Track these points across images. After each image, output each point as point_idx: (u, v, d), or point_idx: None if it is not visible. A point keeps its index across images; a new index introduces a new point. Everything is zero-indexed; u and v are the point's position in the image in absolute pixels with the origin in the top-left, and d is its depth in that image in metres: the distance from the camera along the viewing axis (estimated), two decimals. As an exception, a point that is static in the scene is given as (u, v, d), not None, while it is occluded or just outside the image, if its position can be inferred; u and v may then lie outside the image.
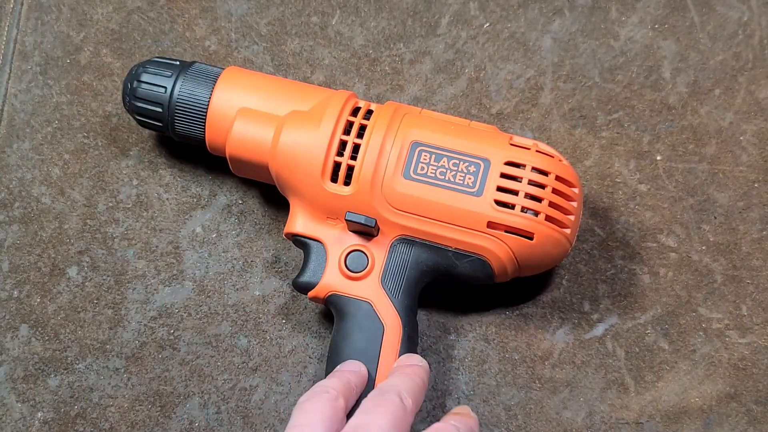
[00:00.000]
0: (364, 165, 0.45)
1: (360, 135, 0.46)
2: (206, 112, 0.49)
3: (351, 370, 0.44)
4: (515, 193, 0.45)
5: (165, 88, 0.49)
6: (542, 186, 0.45)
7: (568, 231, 0.46)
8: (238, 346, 0.52)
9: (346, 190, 0.46)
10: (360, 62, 0.56)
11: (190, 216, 0.54)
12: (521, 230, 0.45)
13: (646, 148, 0.54)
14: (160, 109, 0.49)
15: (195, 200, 0.54)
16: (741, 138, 0.54)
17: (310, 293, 0.47)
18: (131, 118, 0.56)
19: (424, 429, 0.41)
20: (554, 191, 0.45)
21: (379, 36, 0.57)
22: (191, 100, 0.49)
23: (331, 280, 0.47)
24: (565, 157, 0.47)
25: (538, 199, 0.45)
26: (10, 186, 0.55)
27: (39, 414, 0.51)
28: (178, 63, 0.50)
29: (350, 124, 0.47)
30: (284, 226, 0.49)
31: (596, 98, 0.55)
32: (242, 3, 0.58)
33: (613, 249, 0.52)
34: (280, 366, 0.51)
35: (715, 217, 0.52)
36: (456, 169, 0.45)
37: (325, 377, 0.46)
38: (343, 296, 0.46)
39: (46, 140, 0.56)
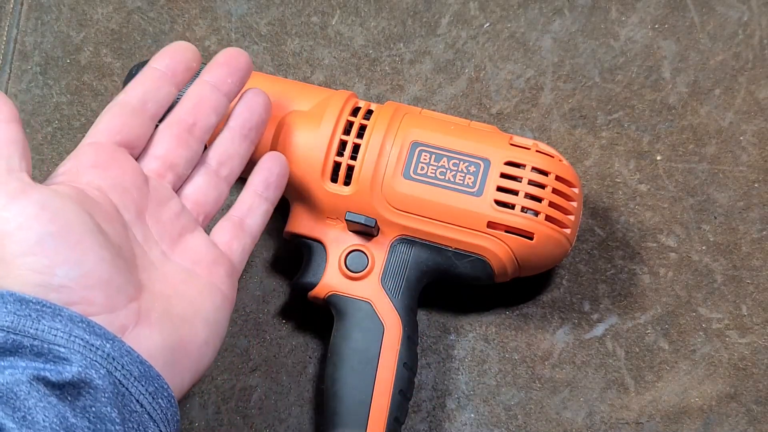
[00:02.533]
0: (364, 165, 0.45)
1: (360, 135, 0.46)
2: None
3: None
4: (515, 193, 0.45)
5: None
6: (542, 186, 0.45)
7: (568, 231, 0.46)
8: (238, 346, 0.52)
9: (346, 191, 0.46)
10: (360, 62, 0.56)
11: (190, 216, 0.54)
12: (521, 230, 0.45)
13: (646, 148, 0.54)
14: None
15: (195, 200, 0.54)
16: (741, 138, 0.54)
17: (311, 293, 0.47)
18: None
19: None
20: (554, 191, 0.45)
21: (379, 36, 0.57)
22: None
23: (330, 280, 0.47)
24: (565, 157, 0.47)
25: (539, 199, 0.45)
26: (10, 186, 0.55)
27: (39, 414, 0.51)
28: None
29: (350, 124, 0.47)
30: (284, 226, 0.49)
31: (596, 98, 0.55)
32: (242, 3, 0.58)
33: (613, 249, 0.52)
34: (280, 366, 0.51)
35: (715, 217, 0.52)
36: (456, 169, 0.45)
37: (324, 379, 0.46)
38: (343, 296, 0.46)
39: (46, 140, 0.56)
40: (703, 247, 0.52)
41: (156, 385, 0.35)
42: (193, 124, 0.42)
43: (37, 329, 0.32)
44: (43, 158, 0.55)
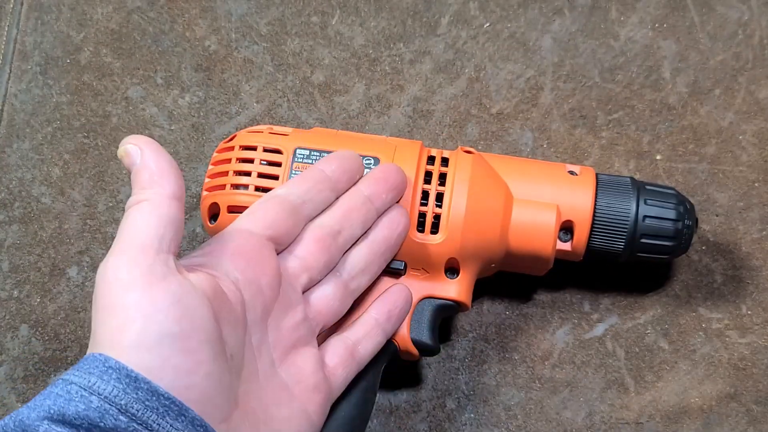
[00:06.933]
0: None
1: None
2: None
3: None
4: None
5: None
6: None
7: None
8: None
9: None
10: (360, 62, 0.56)
11: (190, 216, 0.54)
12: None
13: (646, 148, 0.54)
14: None
15: (195, 200, 0.54)
16: (741, 138, 0.54)
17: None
18: (131, 117, 0.56)
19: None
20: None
21: (379, 36, 0.57)
22: None
23: None
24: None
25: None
26: (10, 186, 0.55)
27: (39, 414, 0.51)
28: None
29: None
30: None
31: (596, 98, 0.55)
32: (242, 3, 0.58)
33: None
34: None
35: (716, 216, 0.52)
36: None
37: None
38: None
39: (46, 140, 0.56)
40: (703, 247, 0.52)
41: None
42: (338, 232, 0.42)
43: (159, 425, 0.31)
44: (43, 158, 0.55)
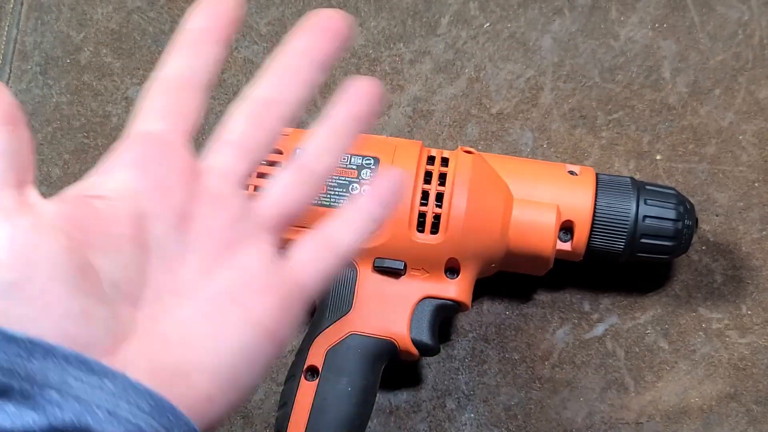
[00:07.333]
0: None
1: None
2: None
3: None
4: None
5: None
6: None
7: None
8: (238, 346, 0.52)
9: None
10: (360, 62, 0.56)
11: (190, 216, 0.54)
12: None
13: (646, 148, 0.54)
14: None
15: (195, 200, 0.54)
16: (741, 138, 0.54)
17: None
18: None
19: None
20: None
21: (379, 36, 0.57)
22: None
23: None
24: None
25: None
26: (10, 186, 0.55)
27: (39, 414, 0.51)
28: None
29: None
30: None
31: (596, 98, 0.55)
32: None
33: (613, 249, 0.52)
34: (280, 366, 0.51)
35: (716, 216, 0.52)
36: None
37: None
38: None
39: (46, 140, 0.56)
40: (703, 247, 0.52)
41: (171, 416, 0.30)
42: (271, 101, 0.34)
43: (28, 369, 0.28)
44: (43, 158, 0.55)
